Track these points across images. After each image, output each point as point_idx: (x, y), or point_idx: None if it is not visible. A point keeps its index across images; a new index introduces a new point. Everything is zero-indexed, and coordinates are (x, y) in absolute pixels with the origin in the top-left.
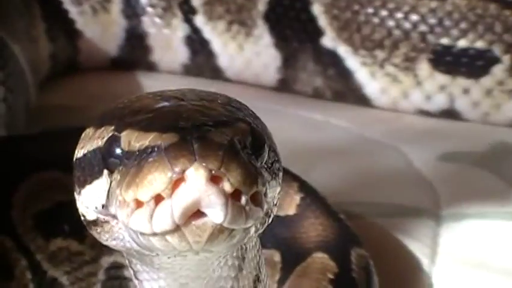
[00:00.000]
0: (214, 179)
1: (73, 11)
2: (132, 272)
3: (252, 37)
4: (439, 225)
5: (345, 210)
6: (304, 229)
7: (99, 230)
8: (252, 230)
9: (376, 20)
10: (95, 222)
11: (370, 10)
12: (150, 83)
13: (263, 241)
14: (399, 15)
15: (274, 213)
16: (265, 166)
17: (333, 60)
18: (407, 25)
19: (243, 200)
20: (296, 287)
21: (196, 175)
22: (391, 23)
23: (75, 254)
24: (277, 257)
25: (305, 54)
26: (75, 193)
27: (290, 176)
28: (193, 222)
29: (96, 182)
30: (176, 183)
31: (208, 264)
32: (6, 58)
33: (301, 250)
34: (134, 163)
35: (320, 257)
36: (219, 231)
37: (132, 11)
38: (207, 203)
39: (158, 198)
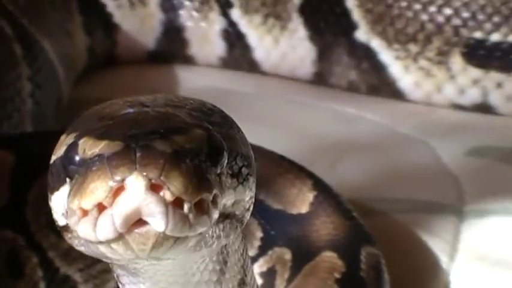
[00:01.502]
0: (154, 188)
1: (110, 5)
2: (115, 275)
3: (287, 30)
4: (462, 221)
5: (368, 206)
6: (315, 227)
7: (69, 236)
8: (211, 235)
9: (409, 13)
10: (65, 228)
11: (404, 4)
12: (187, 76)
13: (275, 239)
14: (432, 8)
15: (248, 218)
16: (229, 172)
17: (366, 53)
18: (440, 19)
19: (186, 208)
20: (302, 285)
21: (135, 183)
22: (424, 16)
23: None
24: (288, 255)
25: (339, 48)
26: (48, 199)
27: (305, 174)
28: (135, 230)
29: (62, 189)
30: (117, 191)
31: (186, 268)
32: (35, 54)
33: (311, 249)
34: (84, 171)
35: (328, 256)
36: (163, 239)
37: (169, 5)
38: (147, 211)
39: (101, 207)
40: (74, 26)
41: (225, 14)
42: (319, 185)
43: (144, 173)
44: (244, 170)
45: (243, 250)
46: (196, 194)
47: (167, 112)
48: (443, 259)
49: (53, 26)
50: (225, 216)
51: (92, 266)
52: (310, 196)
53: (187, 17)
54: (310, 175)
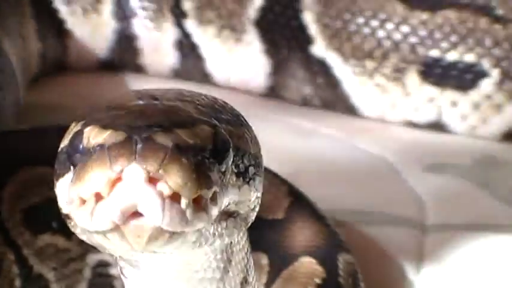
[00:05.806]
0: (152, 181)
1: (63, 11)
2: (119, 268)
3: (242, 43)
4: (425, 235)
5: (330, 217)
6: (292, 233)
7: (72, 224)
8: (213, 233)
9: (366, 30)
10: (68, 216)
11: (361, 20)
12: (138, 86)
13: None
14: (390, 26)
15: (253, 218)
16: (234, 171)
17: (322, 68)
18: (397, 36)
19: (183, 203)
20: None
21: (132, 175)
22: (381, 33)
23: (62, 251)
24: (264, 260)
25: (295, 62)
26: (54, 186)
27: (279, 180)
28: (131, 222)
29: (66, 176)
30: (115, 182)
31: (190, 265)
32: None
33: (289, 254)
34: (85, 160)
35: (307, 261)
36: (158, 233)
37: (123, 13)
38: (143, 204)
39: (98, 197)
40: (27, 30)
41: (179, 24)
42: (294, 192)
43: (143, 165)
44: (251, 170)
45: (247, 249)
46: (194, 190)
47: (176, 106)
48: (410, 271)
49: (11, 29)
50: (228, 215)
51: (64, 266)
52: (285, 202)
53: (141, 26)
54: (284, 181)
